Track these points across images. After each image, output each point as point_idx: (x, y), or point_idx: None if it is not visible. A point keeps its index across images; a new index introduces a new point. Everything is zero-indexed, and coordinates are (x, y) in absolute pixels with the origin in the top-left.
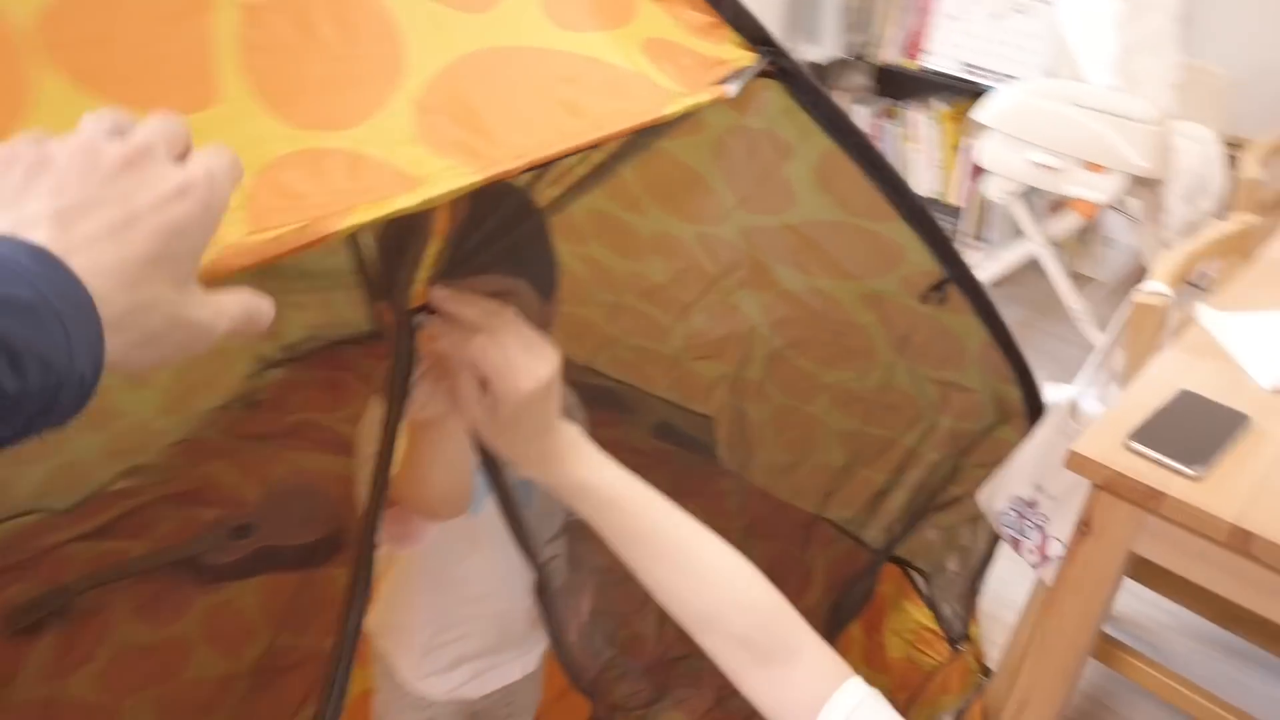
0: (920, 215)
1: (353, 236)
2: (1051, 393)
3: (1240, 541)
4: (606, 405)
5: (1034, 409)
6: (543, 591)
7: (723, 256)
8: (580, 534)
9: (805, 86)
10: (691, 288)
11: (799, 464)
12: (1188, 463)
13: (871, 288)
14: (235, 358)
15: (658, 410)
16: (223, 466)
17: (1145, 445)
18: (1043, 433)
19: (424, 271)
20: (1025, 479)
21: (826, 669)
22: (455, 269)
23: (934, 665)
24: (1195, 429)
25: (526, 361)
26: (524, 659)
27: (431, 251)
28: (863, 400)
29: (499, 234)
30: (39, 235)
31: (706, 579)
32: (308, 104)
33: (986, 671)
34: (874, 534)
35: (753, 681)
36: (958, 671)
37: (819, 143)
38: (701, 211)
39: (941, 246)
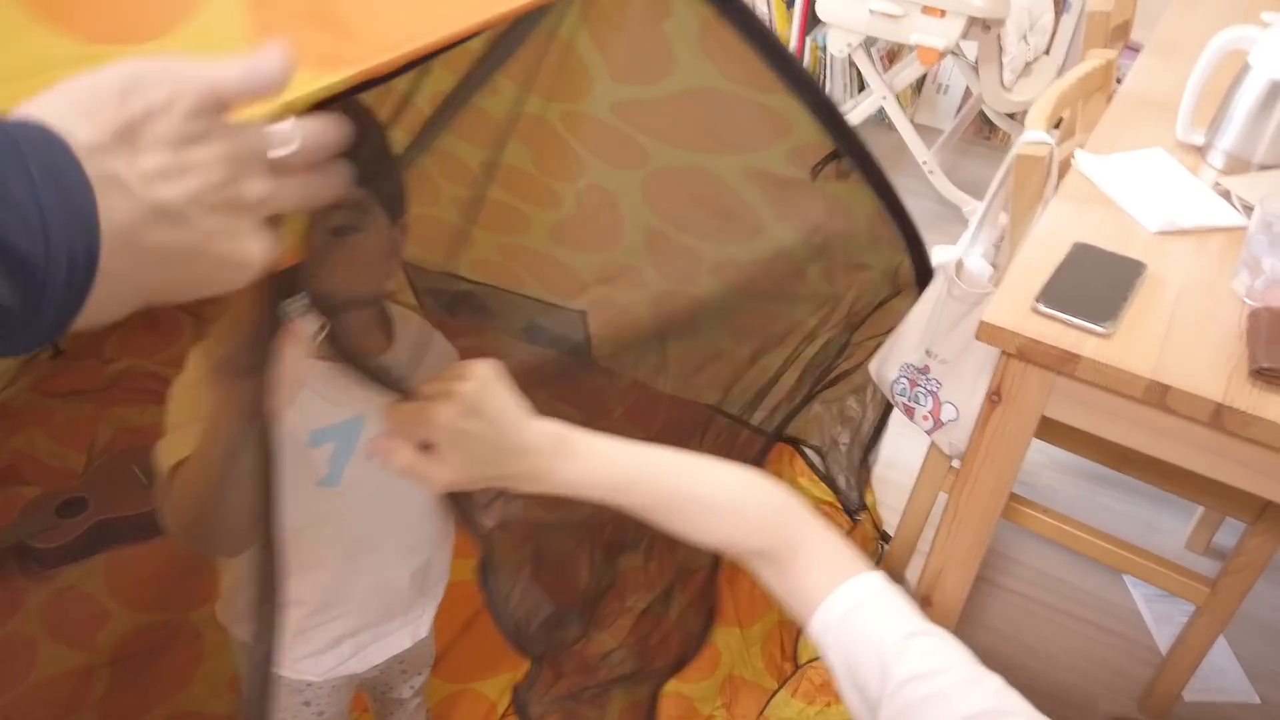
0: (806, 85)
1: None
2: (936, 255)
3: (1157, 396)
4: (470, 312)
5: (924, 277)
6: (484, 569)
7: (591, 136)
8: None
9: None
10: (556, 172)
11: (681, 353)
12: (1097, 320)
13: (757, 162)
14: None
15: (526, 310)
16: (36, 435)
17: (1053, 307)
18: (930, 297)
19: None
20: (915, 345)
21: (830, 566)
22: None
23: None
24: (1096, 284)
25: (458, 413)
26: (413, 625)
27: None
28: (752, 279)
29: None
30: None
31: (716, 515)
32: (96, 13)
33: (885, 537)
34: (762, 416)
35: (766, 576)
36: (858, 540)
37: (698, 9)
38: (567, 88)
39: (830, 117)
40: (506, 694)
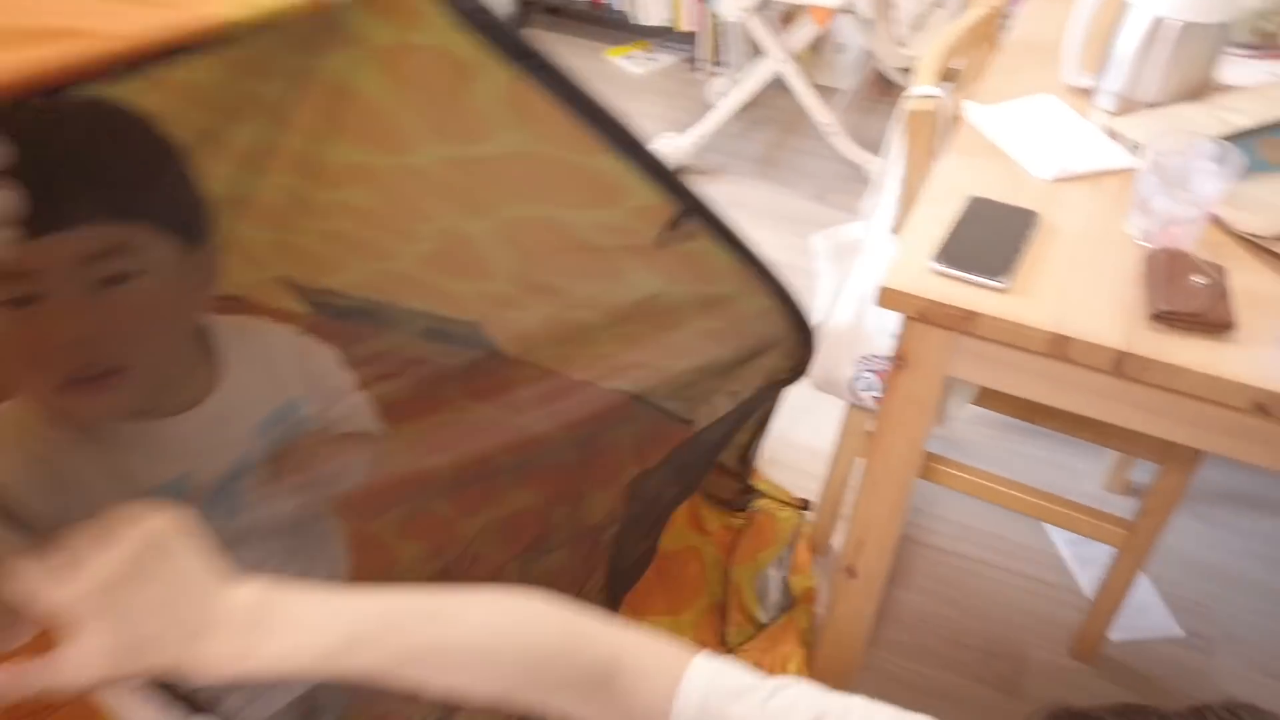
0: (632, 146)
1: None
2: (854, 230)
3: (1058, 348)
4: (360, 321)
5: (800, 329)
6: None
7: (432, 185)
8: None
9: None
10: (406, 215)
11: (580, 355)
12: (993, 275)
13: (604, 219)
14: None
15: (419, 320)
16: None
17: (950, 266)
18: (868, 285)
19: None
20: (873, 336)
21: (657, 670)
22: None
23: (742, 522)
24: (991, 238)
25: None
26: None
27: None
28: (625, 308)
29: (94, 166)
30: None
31: (484, 659)
32: None
33: (806, 505)
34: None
35: (595, 714)
36: (767, 526)
37: (503, 71)
38: (392, 140)
39: (665, 177)
40: None
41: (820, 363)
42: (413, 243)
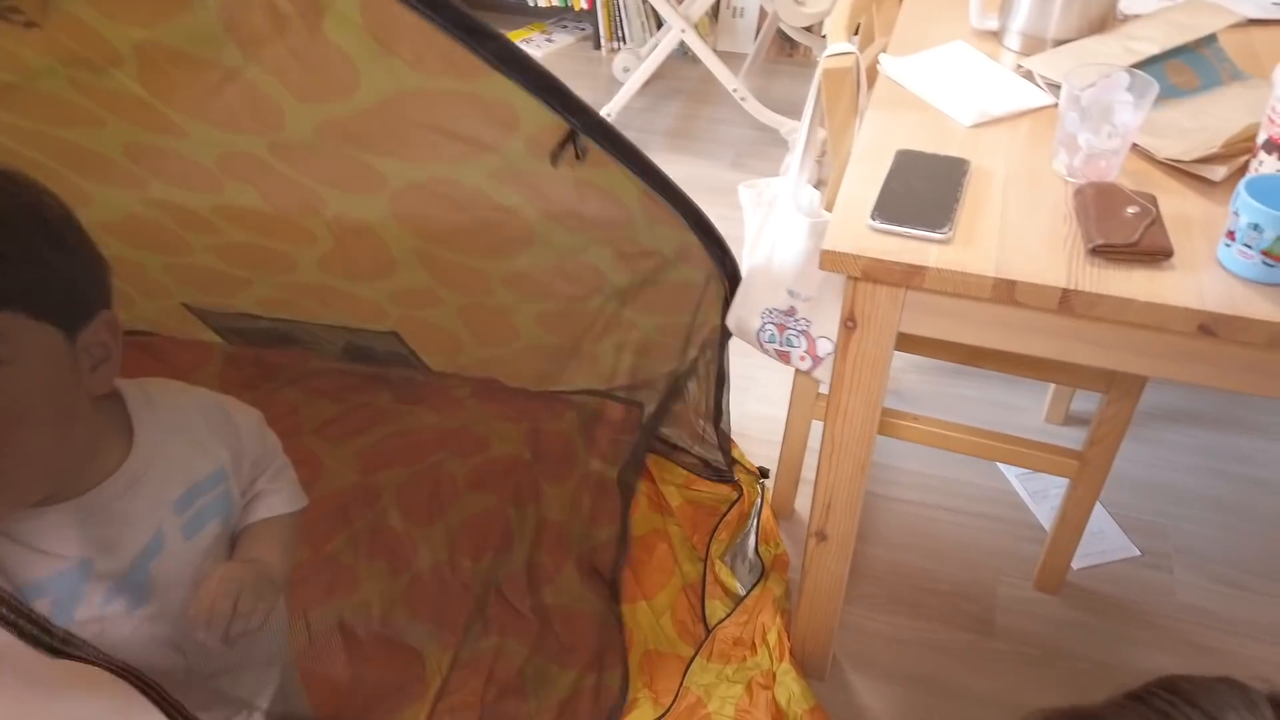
0: (511, 59)
1: None
2: (765, 190)
3: (1004, 293)
4: (280, 342)
5: (712, 246)
6: None
7: (312, 165)
8: None
9: None
10: (294, 208)
11: (508, 354)
12: (933, 227)
13: (499, 164)
14: None
15: (336, 337)
16: None
17: (888, 222)
18: (775, 238)
19: None
20: (772, 288)
21: None
22: None
23: (713, 498)
24: (926, 190)
25: None
26: None
27: None
28: (535, 277)
29: None
30: None
31: None
32: None
33: (764, 473)
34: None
35: None
36: (747, 496)
37: None
38: (254, 117)
39: (554, 94)
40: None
41: (735, 310)
42: (309, 244)
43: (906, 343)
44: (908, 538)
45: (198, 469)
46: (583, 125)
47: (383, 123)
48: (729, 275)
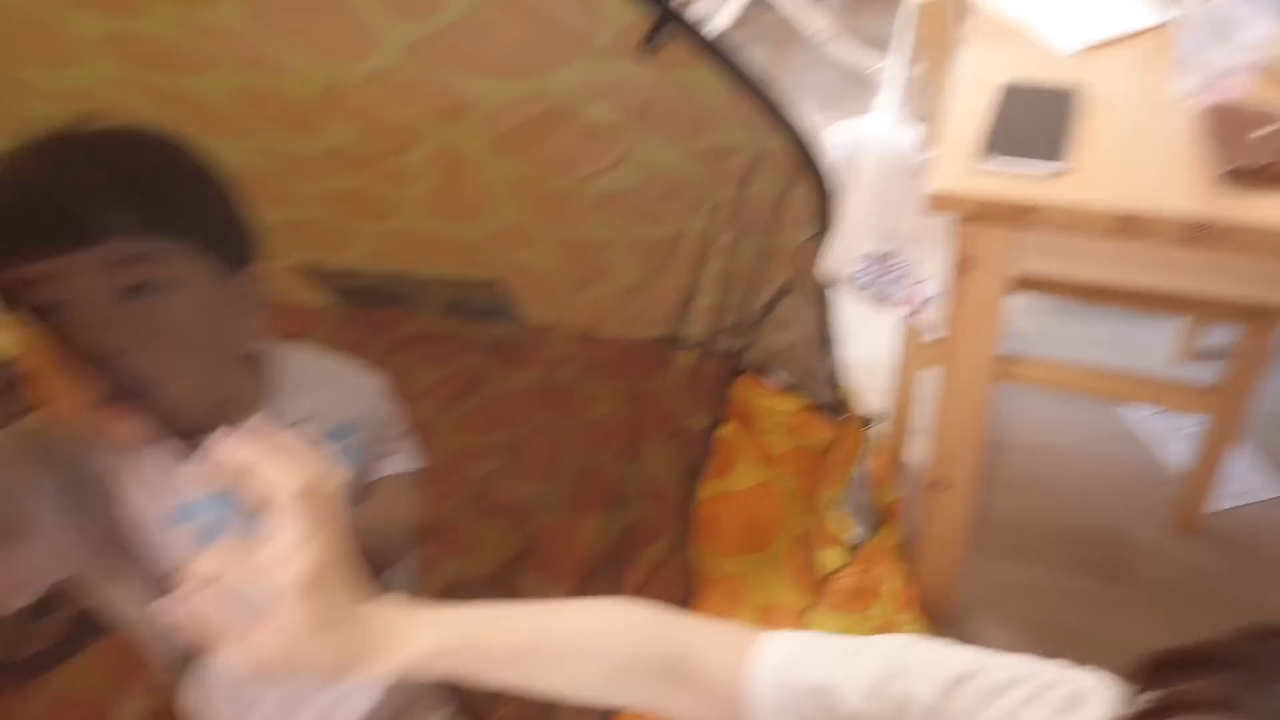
0: None
1: None
2: (859, 129)
3: (1127, 227)
4: (384, 302)
5: (803, 152)
6: None
7: (407, 93)
8: None
9: None
10: (390, 146)
11: (604, 295)
12: (1046, 162)
13: (586, 73)
14: None
15: (438, 292)
16: None
17: (998, 159)
18: (871, 180)
19: None
20: (870, 232)
21: (725, 641)
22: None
23: (823, 443)
24: (1035, 123)
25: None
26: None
27: None
28: (628, 200)
29: (119, 186)
30: None
31: (599, 638)
32: None
33: (873, 420)
34: (713, 338)
35: (690, 707)
36: (850, 438)
37: None
38: (348, 43)
39: None
40: None
41: (831, 255)
42: (408, 184)
43: (1022, 282)
44: (1030, 484)
45: (329, 422)
46: (667, 17)
47: (470, 37)
48: (818, 184)
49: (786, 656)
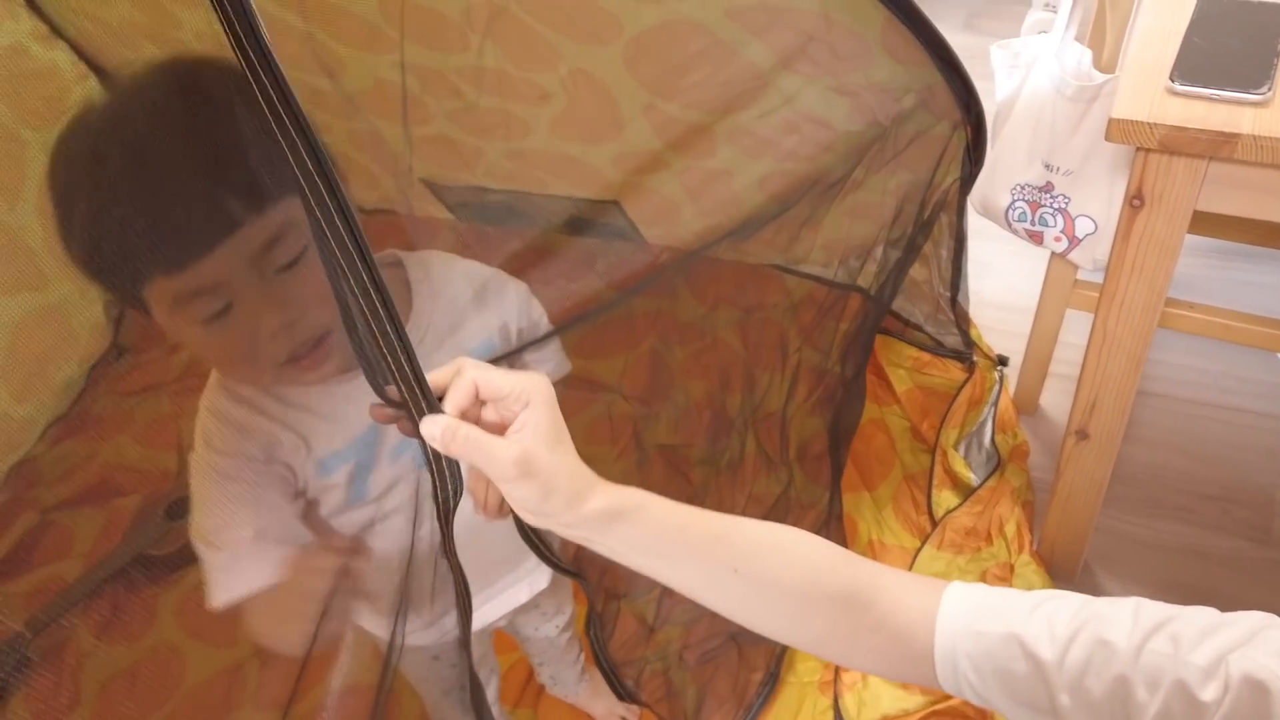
0: None
1: None
2: (1021, 49)
3: None
4: (507, 219)
5: (961, 86)
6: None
7: (552, 14)
8: None
9: None
10: (532, 65)
11: (727, 224)
12: (1248, 88)
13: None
14: (74, 307)
15: (561, 210)
16: (122, 441)
17: (1192, 83)
18: (1034, 105)
19: None
20: (1028, 163)
21: (918, 587)
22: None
23: (945, 383)
24: (1236, 44)
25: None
26: (529, 579)
27: None
28: (771, 136)
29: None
30: None
31: (788, 550)
32: None
33: (1003, 361)
34: (849, 276)
35: (870, 641)
36: (978, 380)
37: None
38: None
39: None
40: None
41: (980, 185)
42: (543, 104)
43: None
44: (1173, 437)
45: (471, 334)
46: None
47: None
48: (974, 124)
49: (975, 605)
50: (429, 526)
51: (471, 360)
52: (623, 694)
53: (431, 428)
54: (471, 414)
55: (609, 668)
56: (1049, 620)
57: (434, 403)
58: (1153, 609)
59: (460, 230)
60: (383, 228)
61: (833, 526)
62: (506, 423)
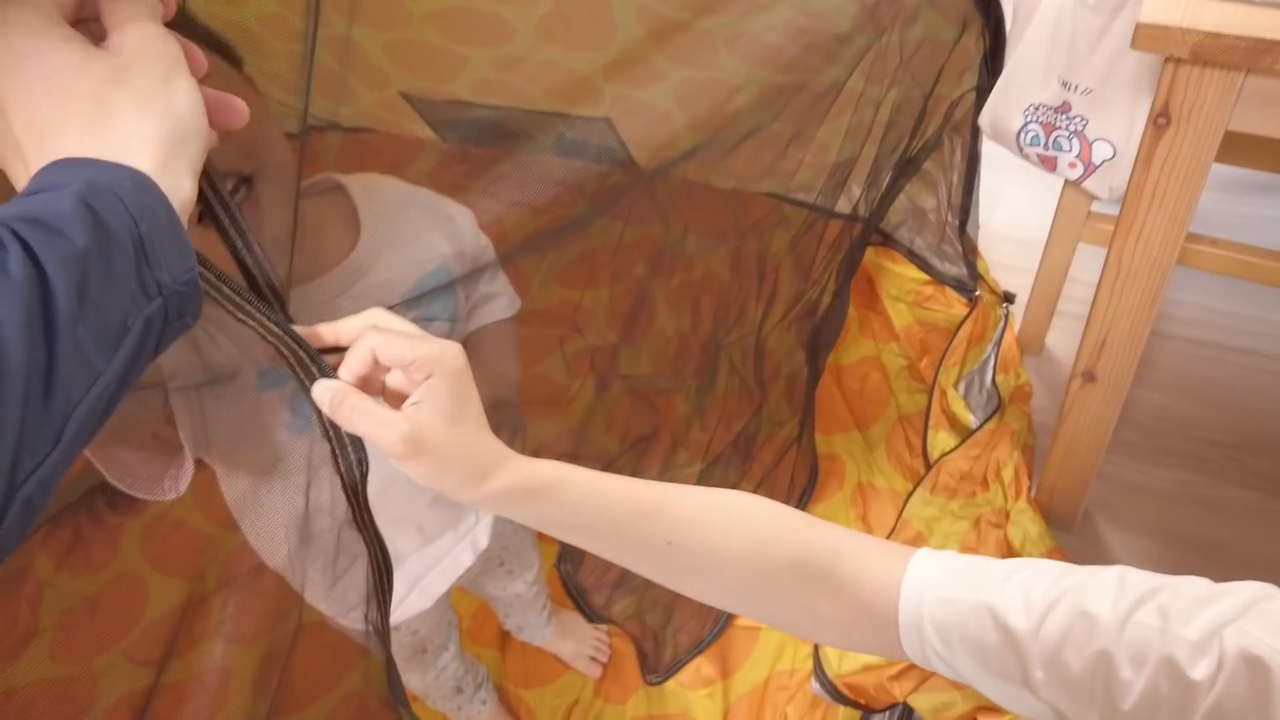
0: None
1: None
2: None
3: None
4: (491, 137)
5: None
6: None
7: None
8: None
9: None
10: None
11: (723, 141)
12: None
13: None
14: None
15: (550, 127)
16: None
17: None
18: (1051, 15)
19: None
20: (1042, 80)
21: (882, 551)
22: None
23: (947, 318)
24: None
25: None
26: (470, 538)
27: None
28: (774, 42)
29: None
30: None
31: (730, 517)
32: None
33: (1009, 298)
34: (843, 200)
35: (827, 611)
36: (981, 315)
37: None
38: None
39: None
40: None
41: (990, 106)
42: (528, 5)
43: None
44: (1182, 381)
45: (423, 262)
46: None
47: None
48: (993, 28)
49: (944, 571)
50: (328, 493)
51: (383, 314)
52: (591, 616)
53: (320, 392)
54: (377, 377)
55: (578, 593)
56: (1024, 588)
57: (325, 366)
58: (1139, 578)
59: (443, 150)
60: (360, 147)
61: (804, 444)
62: (409, 392)
